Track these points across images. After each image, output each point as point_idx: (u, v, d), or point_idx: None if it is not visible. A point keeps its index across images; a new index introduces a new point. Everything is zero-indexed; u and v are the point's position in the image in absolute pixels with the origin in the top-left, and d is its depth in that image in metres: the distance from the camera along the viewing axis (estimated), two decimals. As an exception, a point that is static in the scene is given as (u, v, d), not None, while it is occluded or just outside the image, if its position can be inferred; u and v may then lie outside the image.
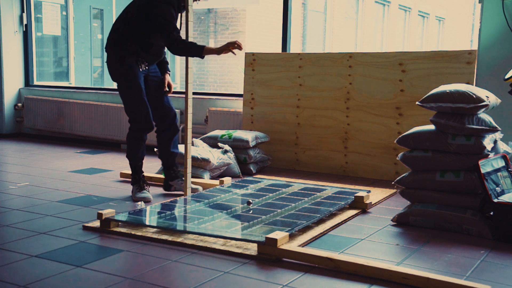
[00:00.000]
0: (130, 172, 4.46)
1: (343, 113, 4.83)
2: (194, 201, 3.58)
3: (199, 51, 3.53)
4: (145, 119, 3.76)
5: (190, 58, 3.65)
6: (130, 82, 3.73)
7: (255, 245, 2.75)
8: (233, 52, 3.53)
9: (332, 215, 3.35)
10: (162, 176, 4.36)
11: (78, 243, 2.86)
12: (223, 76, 11.93)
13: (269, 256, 2.64)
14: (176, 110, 4.00)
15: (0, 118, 6.83)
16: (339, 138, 4.85)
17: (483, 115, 3.23)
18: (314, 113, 4.98)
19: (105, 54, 3.83)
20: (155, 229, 3.03)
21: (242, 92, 5.40)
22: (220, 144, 4.73)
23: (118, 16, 3.86)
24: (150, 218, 3.27)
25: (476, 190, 3.11)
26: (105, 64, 3.88)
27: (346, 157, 4.82)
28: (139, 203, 3.58)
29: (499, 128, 3.21)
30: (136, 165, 3.88)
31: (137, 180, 3.85)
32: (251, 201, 3.51)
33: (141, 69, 3.75)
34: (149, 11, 3.64)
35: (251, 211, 3.35)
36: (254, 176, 4.56)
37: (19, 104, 6.88)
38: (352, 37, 14.01)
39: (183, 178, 3.86)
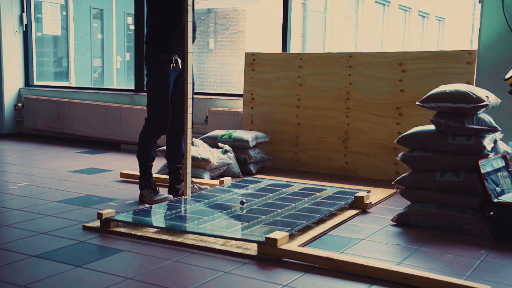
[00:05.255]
0: (130, 172, 4.47)
1: (343, 113, 4.83)
2: (194, 201, 3.58)
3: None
4: (162, 120, 3.68)
5: (190, 58, 3.65)
6: (159, 80, 3.66)
7: (255, 245, 2.75)
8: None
9: (332, 215, 3.35)
10: (162, 176, 4.36)
11: (78, 243, 2.85)
12: (223, 76, 11.92)
13: (269, 256, 2.64)
14: None
15: (0, 118, 6.83)
16: (339, 138, 4.85)
17: (483, 115, 3.23)
18: (314, 113, 4.98)
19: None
20: (155, 229, 3.03)
21: (242, 92, 5.40)
22: (220, 144, 4.73)
23: None
24: (150, 218, 3.27)
25: (476, 190, 3.11)
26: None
27: (346, 157, 4.82)
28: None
29: (499, 128, 3.21)
30: (147, 166, 3.74)
31: (148, 182, 3.72)
32: (244, 201, 3.50)
33: (172, 67, 3.66)
34: None
35: (243, 211, 3.35)
36: (254, 176, 4.56)
37: (19, 104, 6.88)
38: (352, 37, 14.01)
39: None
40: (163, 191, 4.02)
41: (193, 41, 3.75)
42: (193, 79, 3.80)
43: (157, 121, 3.70)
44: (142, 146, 3.75)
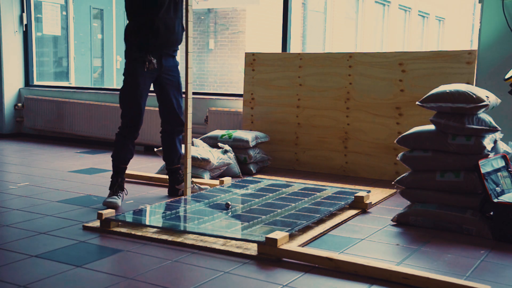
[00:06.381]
0: (130, 172, 4.46)
1: (343, 113, 4.83)
2: (194, 201, 3.58)
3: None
4: (130, 118, 3.63)
5: (189, 58, 3.65)
6: (127, 78, 3.64)
7: (255, 245, 2.75)
8: None
9: (332, 215, 3.35)
10: (162, 176, 4.36)
11: (78, 243, 2.86)
12: (223, 76, 11.93)
13: (269, 256, 2.64)
14: None
15: (0, 118, 6.83)
16: (339, 138, 4.85)
17: (483, 115, 3.23)
18: (314, 113, 4.98)
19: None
20: (155, 229, 3.03)
21: (242, 92, 5.40)
22: (220, 144, 4.73)
23: None
24: (150, 218, 3.27)
25: (476, 190, 3.11)
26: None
27: (346, 157, 4.82)
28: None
29: (499, 128, 3.21)
30: (118, 167, 3.68)
31: (113, 184, 3.66)
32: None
33: (146, 67, 3.58)
34: None
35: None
36: (254, 176, 4.56)
37: (19, 104, 6.88)
38: (352, 37, 14.01)
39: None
40: (163, 191, 4.03)
41: (180, 43, 3.78)
42: (179, 80, 3.84)
43: (126, 120, 3.66)
44: (115, 146, 3.71)
